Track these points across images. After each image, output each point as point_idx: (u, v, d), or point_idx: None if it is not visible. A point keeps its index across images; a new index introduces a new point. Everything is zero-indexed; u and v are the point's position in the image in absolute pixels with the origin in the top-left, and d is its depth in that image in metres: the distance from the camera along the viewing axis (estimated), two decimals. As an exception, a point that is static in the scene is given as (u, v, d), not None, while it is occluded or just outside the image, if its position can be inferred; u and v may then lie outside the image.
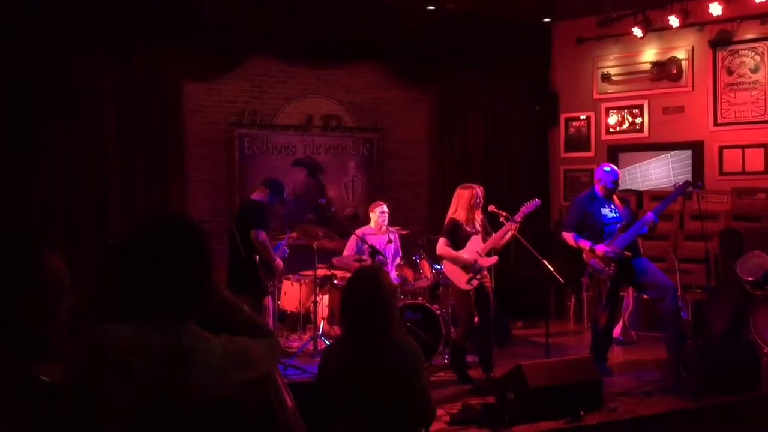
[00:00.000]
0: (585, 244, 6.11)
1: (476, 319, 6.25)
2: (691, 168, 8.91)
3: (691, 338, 6.66)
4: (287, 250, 7.00)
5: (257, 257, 6.21)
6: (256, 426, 2.05)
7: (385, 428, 2.96)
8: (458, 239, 6.05)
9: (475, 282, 5.97)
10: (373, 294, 3.01)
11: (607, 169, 6.34)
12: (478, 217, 6.15)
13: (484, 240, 6.09)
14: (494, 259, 6.11)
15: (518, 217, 5.99)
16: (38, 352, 1.72)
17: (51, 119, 7.50)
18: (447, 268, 6.17)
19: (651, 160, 9.24)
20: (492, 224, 6.24)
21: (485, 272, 6.07)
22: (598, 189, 6.29)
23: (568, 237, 6.25)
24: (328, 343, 6.81)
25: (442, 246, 6.09)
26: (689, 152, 8.99)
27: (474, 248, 6.02)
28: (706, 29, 8.80)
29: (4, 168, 7.18)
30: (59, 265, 1.76)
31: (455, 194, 6.18)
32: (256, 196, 6.48)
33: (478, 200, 6.07)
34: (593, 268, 6.15)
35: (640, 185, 9.23)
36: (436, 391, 4.98)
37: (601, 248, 6.03)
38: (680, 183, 6.41)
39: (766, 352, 6.57)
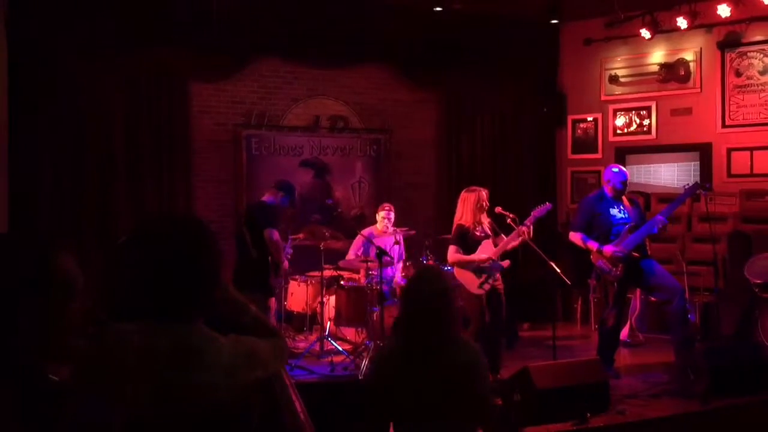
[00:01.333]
0: (593, 245, 6.10)
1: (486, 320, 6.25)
2: (699, 172, 8.87)
3: (699, 341, 6.64)
4: (291, 251, 7.00)
5: (270, 258, 6.22)
6: (264, 426, 2.05)
7: (444, 428, 2.93)
8: (468, 244, 6.03)
9: (486, 286, 5.95)
10: (435, 293, 2.99)
11: (616, 170, 6.33)
12: (485, 220, 6.13)
13: (495, 244, 6.07)
14: (506, 262, 6.08)
15: (529, 222, 5.96)
16: (49, 351, 1.73)
17: (57, 119, 7.52)
18: (458, 272, 6.13)
19: (661, 165, 9.20)
20: (499, 226, 6.22)
21: (498, 275, 6.05)
22: (607, 190, 6.28)
23: (576, 237, 6.23)
24: (334, 344, 6.83)
25: (452, 254, 6.06)
26: (695, 163, 8.94)
27: (485, 253, 6.00)
28: (714, 31, 8.77)
29: (10, 169, 7.21)
30: (71, 265, 1.76)
31: (460, 198, 6.16)
32: (267, 197, 6.48)
33: (483, 203, 6.05)
34: (601, 269, 6.13)
35: (650, 184, 9.20)
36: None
37: (609, 249, 6.02)
38: (689, 184, 6.39)
39: (774, 354, 6.54)
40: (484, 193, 6.08)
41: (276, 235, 6.18)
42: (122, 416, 1.71)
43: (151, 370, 1.73)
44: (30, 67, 7.35)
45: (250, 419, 1.89)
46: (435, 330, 2.96)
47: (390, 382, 2.97)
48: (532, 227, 5.95)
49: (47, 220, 7.26)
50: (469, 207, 6.04)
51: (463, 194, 6.15)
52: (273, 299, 6.58)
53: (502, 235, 6.11)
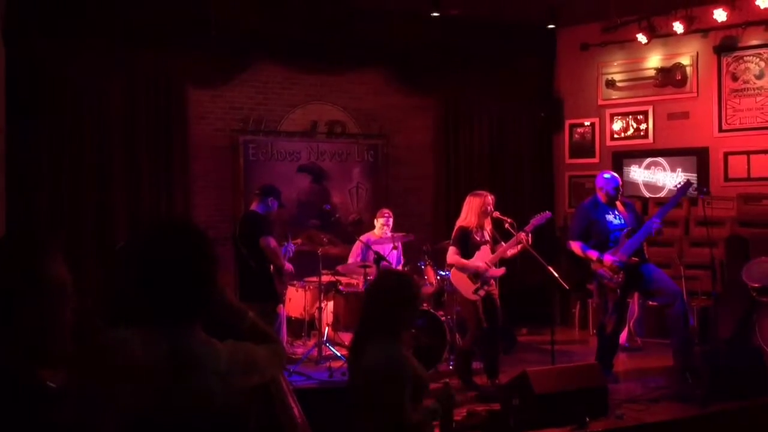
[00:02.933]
0: (593, 255, 6.10)
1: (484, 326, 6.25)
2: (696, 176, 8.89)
3: (697, 344, 6.63)
4: (293, 248, 6.94)
5: (271, 266, 6.20)
6: (261, 431, 2.05)
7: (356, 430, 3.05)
8: (468, 248, 6.03)
9: (482, 292, 5.96)
10: (382, 294, 3.12)
11: (608, 176, 6.33)
12: (488, 226, 6.13)
13: (493, 251, 6.08)
14: (502, 270, 6.10)
15: (528, 229, 5.97)
16: (43, 357, 1.72)
17: (56, 124, 7.52)
18: (454, 276, 6.14)
19: (660, 173, 9.21)
20: (496, 230, 6.22)
21: (492, 282, 6.07)
22: (601, 197, 6.28)
23: (576, 247, 6.23)
24: (332, 349, 6.82)
25: (452, 255, 6.07)
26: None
27: (482, 259, 6.00)
28: (710, 35, 8.79)
29: (9, 173, 7.20)
30: (62, 269, 1.76)
31: (466, 201, 6.15)
32: (256, 206, 6.46)
33: (488, 208, 6.04)
34: (602, 277, 6.13)
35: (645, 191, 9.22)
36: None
37: (608, 258, 6.02)
38: (681, 184, 6.40)
39: (772, 358, 6.54)
40: (489, 198, 6.07)
41: (272, 242, 6.16)
42: (118, 422, 1.70)
43: (148, 376, 1.73)
44: (28, 72, 7.36)
45: (247, 425, 1.89)
46: (364, 330, 3.11)
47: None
48: (530, 235, 5.95)
49: (45, 225, 7.25)
50: (473, 210, 6.04)
51: (469, 197, 6.15)
52: (281, 306, 6.57)
53: (502, 243, 6.11)
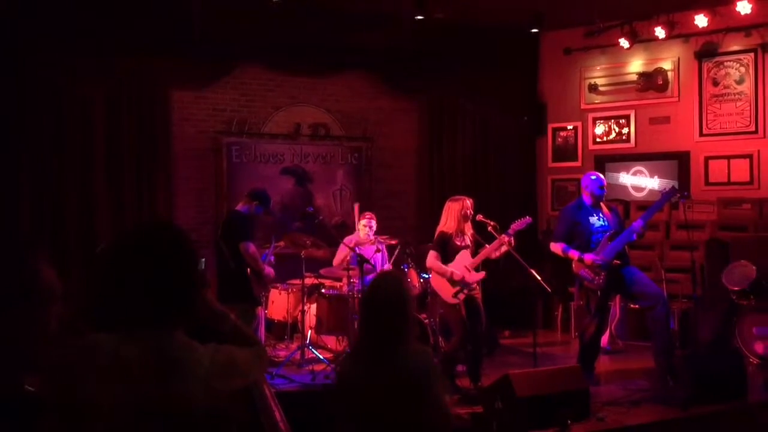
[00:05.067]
0: (574, 254, 6.12)
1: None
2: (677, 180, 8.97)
3: (677, 347, 6.67)
4: (272, 258, 6.96)
5: (248, 269, 6.17)
6: (243, 435, 2.04)
7: None
8: (448, 252, 6.05)
9: (461, 296, 5.97)
10: (393, 297, 3.03)
11: (593, 177, 6.36)
12: (468, 230, 6.14)
13: (473, 254, 6.09)
14: (481, 274, 6.11)
15: (510, 233, 5.99)
16: (26, 362, 1.71)
17: (37, 127, 7.48)
18: (434, 280, 6.16)
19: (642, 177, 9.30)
20: (479, 233, 6.24)
21: (475, 284, 6.08)
22: (586, 197, 6.31)
23: (557, 248, 6.25)
24: (315, 352, 6.80)
25: (432, 259, 6.09)
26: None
27: (462, 263, 6.02)
28: (691, 41, 8.88)
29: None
30: (50, 274, 1.75)
31: (445, 207, 6.18)
32: (241, 207, 6.40)
33: (468, 212, 6.07)
34: (583, 278, 6.14)
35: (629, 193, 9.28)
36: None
37: (589, 257, 6.04)
38: (667, 189, 6.44)
39: (752, 361, 6.60)
40: (468, 202, 6.10)
41: (252, 248, 6.12)
42: (100, 426, 1.69)
43: (131, 380, 1.72)
44: (10, 76, 7.29)
45: (229, 428, 1.88)
46: (385, 335, 3.00)
47: (344, 386, 3.03)
48: (513, 238, 5.97)
49: (27, 228, 7.20)
50: (453, 215, 6.06)
51: (448, 203, 6.18)
52: (260, 308, 6.53)
53: (485, 246, 6.13)
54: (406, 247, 7.49)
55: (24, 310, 1.69)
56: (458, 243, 6.06)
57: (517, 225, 6.07)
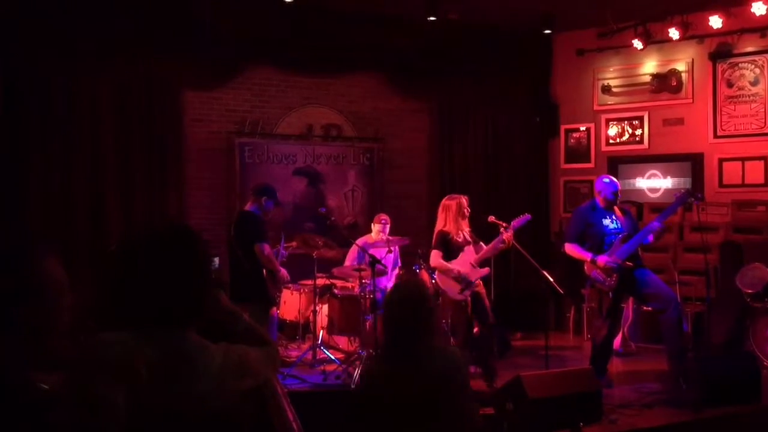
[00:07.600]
0: (586, 256, 6.10)
1: (476, 330, 6.26)
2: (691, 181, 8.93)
3: (690, 350, 6.64)
4: (285, 253, 6.97)
5: (264, 270, 6.18)
6: (255, 435, 2.04)
7: None
8: (450, 250, 6.11)
9: (468, 292, 6.04)
10: (418, 301, 3.07)
11: (607, 180, 6.34)
12: (465, 227, 6.21)
13: (476, 251, 6.16)
14: (485, 270, 6.17)
15: (510, 230, 6.04)
16: (38, 359, 1.72)
17: (49, 127, 7.51)
18: (440, 279, 6.20)
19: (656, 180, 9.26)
20: (493, 235, 6.26)
21: (478, 281, 6.14)
22: (599, 201, 6.29)
23: (570, 249, 6.24)
24: (327, 353, 6.81)
25: (435, 258, 6.15)
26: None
27: (467, 259, 6.05)
28: (706, 42, 8.83)
29: (2, 177, 7.18)
30: (58, 270, 1.76)
31: (441, 206, 6.27)
32: (251, 207, 6.38)
33: (464, 210, 6.14)
34: (595, 279, 6.13)
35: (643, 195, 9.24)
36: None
37: (602, 259, 6.02)
38: (681, 192, 6.41)
39: (766, 364, 6.55)
40: (464, 200, 6.18)
41: (267, 248, 6.12)
42: (113, 425, 1.69)
43: (143, 379, 1.72)
44: (21, 77, 7.34)
45: (241, 428, 1.89)
46: (411, 339, 3.02)
47: (372, 391, 3.02)
48: (512, 234, 6.03)
49: (38, 228, 7.23)
50: (450, 214, 6.15)
51: (445, 202, 6.28)
52: (275, 309, 6.54)
53: (482, 243, 6.20)
54: (416, 248, 7.49)
55: (36, 307, 1.70)
56: (459, 240, 6.14)
57: (516, 222, 6.13)
